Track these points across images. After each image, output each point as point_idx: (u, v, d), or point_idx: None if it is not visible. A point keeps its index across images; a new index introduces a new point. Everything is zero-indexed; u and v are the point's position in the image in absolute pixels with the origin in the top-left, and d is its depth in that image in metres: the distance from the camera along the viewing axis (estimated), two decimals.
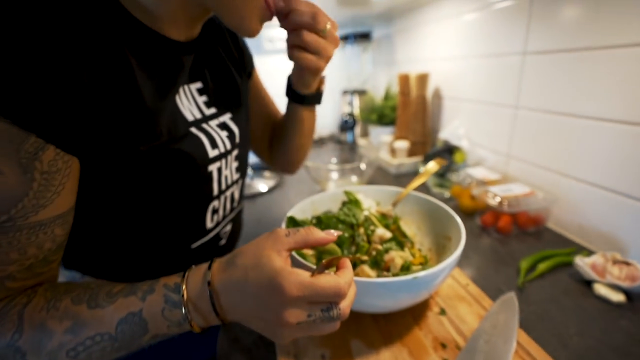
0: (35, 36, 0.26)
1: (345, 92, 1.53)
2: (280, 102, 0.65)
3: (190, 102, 0.43)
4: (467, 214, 0.79)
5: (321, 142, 1.60)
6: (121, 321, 0.29)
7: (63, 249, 0.33)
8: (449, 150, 0.95)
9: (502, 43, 0.80)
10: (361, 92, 1.50)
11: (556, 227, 0.71)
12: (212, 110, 0.47)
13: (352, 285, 0.30)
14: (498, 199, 0.68)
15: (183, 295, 0.29)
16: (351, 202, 0.54)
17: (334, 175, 1.00)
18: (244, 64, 0.56)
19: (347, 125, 1.47)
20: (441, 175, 0.94)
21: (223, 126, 0.47)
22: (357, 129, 1.48)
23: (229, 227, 0.54)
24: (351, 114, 1.48)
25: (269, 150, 0.69)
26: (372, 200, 0.58)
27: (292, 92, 0.54)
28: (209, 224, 0.47)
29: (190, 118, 0.42)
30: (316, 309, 0.28)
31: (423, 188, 0.95)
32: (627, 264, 0.49)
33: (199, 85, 0.45)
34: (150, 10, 0.35)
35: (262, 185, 1.05)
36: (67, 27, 0.28)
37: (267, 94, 0.67)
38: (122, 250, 0.41)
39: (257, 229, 0.79)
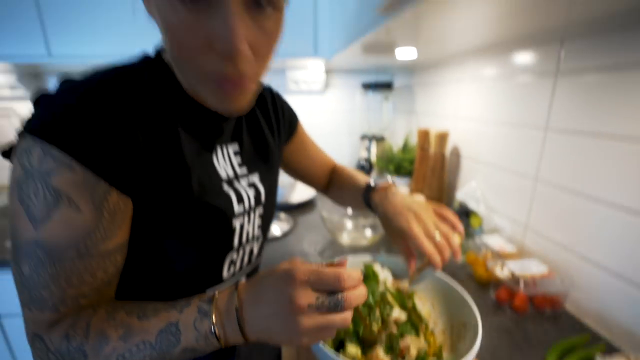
0: (110, 109, 0.34)
1: (364, 137, 1.57)
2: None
3: (225, 161, 0.48)
4: (482, 285, 0.78)
5: None
6: (161, 331, 0.33)
7: (120, 273, 0.40)
8: (465, 213, 0.95)
9: (524, 114, 0.82)
10: (379, 139, 1.53)
11: (575, 311, 0.68)
12: (244, 170, 0.51)
13: (360, 284, 0.34)
14: (514, 278, 0.67)
15: (212, 301, 0.34)
16: (368, 277, 0.54)
17: (349, 225, 1.01)
18: (279, 129, 0.61)
19: (363, 169, 1.49)
20: None
21: (251, 185, 0.52)
22: (373, 174, 1.50)
23: (243, 280, 0.56)
24: (368, 160, 1.51)
25: (324, 189, 0.79)
26: (387, 271, 0.58)
27: (368, 203, 0.61)
28: (225, 274, 0.50)
29: (223, 176, 0.47)
30: (323, 294, 0.32)
31: None
32: None
33: (235, 146, 0.51)
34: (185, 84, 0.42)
35: (275, 228, 1.06)
36: (132, 101, 0.36)
37: (313, 146, 0.74)
38: (144, 284, 0.45)
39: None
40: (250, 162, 0.53)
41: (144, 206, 0.38)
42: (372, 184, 0.61)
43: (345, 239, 0.95)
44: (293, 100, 1.61)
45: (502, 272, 0.70)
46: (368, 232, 0.97)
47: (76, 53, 1.13)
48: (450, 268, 0.85)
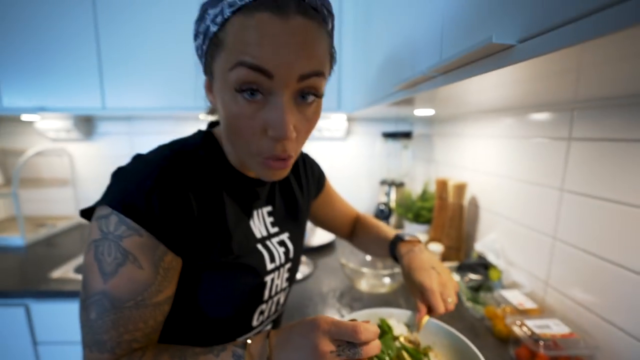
0: (173, 188, 0.42)
1: (383, 182, 1.62)
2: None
3: (260, 222, 0.55)
4: (501, 340, 0.78)
5: None
6: None
7: (164, 321, 0.45)
8: (484, 265, 0.96)
9: (540, 173, 0.85)
10: (399, 184, 1.58)
11: None
12: (276, 229, 0.58)
13: (376, 337, 0.37)
14: (534, 337, 0.67)
15: (245, 347, 0.38)
16: (384, 333, 0.57)
17: (367, 272, 1.03)
18: (309, 188, 0.69)
19: (382, 214, 1.53)
20: (475, 289, 0.94)
21: (282, 243, 0.58)
22: (392, 219, 1.53)
23: (269, 327, 0.61)
24: (387, 204, 1.55)
25: (348, 237, 0.85)
26: (403, 326, 0.60)
27: (394, 252, 0.67)
28: (255, 323, 0.55)
29: (258, 235, 0.53)
30: (343, 344, 0.36)
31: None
32: None
33: (269, 208, 0.57)
34: (235, 158, 0.50)
35: None
36: (190, 177, 0.44)
37: (339, 198, 0.81)
38: (182, 331, 0.50)
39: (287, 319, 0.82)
40: (281, 222, 0.59)
41: (191, 264, 0.45)
42: (403, 236, 0.67)
43: (363, 285, 0.98)
44: (316, 146, 1.73)
45: (521, 329, 0.70)
46: (386, 280, 1.00)
47: (125, 106, 1.29)
48: (468, 321, 0.85)
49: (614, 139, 0.65)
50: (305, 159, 0.70)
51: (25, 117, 1.51)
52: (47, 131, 1.62)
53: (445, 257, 1.15)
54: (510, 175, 0.97)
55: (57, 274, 1.14)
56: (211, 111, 0.57)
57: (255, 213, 0.54)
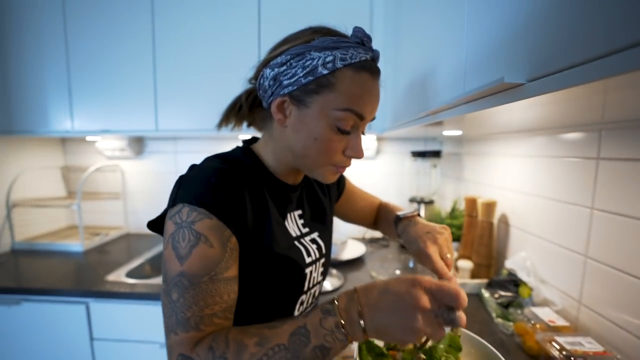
0: (232, 183, 0.49)
1: (412, 200, 1.66)
2: None
3: (293, 223, 0.63)
4: (532, 356, 0.78)
5: (387, 243, 1.69)
6: (292, 333, 0.41)
7: (236, 303, 0.49)
8: (515, 283, 0.97)
9: (570, 192, 0.86)
10: (428, 202, 1.61)
11: None
12: (307, 230, 0.66)
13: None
14: (566, 354, 0.68)
15: (333, 303, 0.41)
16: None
17: None
18: (330, 192, 0.77)
19: None
20: (505, 306, 0.95)
21: (313, 241, 0.66)
22: None
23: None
24: None
25: (372, 226, 0.89)
26: None
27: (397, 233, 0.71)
28: (296, 312, 0.62)
29: (294, 234, 0.61)
30: (443, 307, 0.37)
31: (486, 316, 0.96)
32: None
33: (299, 212, 0.66)
34: (273, 168, 0.60)
35: (327, 283, 1.15)
36: (243, 177, 0.52)
37: (360, 192, 0.88)
38: (236, 319, 0.55)
39: None
40: (310, 223, 0.67)
41: (245, 253, 0.51)
42: (400, 215, 0.70)
43: None
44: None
45: (552, 345, 0.71)
46: None
47: (174, 128, 1.45)
48: (498, 336, 0.86)
49: (637, 159, 0.67)
50: None
51: (89, 138, 1.72)
52: (104, 150, 1.81)
53: (474, 275, 1.16)
54: (540, 193, 0.99)
55: (111, 277, 1.28)
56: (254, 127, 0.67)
57: (288, 215, 0.62)
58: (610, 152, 0.74)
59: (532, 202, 1.02)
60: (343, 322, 0.39)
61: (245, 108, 0.62)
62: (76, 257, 1.50)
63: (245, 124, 0.66)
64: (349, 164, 0.56)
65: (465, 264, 1.16)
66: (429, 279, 0.39)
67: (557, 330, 0.78)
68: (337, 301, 0.41)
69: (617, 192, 0.72)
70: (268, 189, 0.58)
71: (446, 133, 1.14)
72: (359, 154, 0.54)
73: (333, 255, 1.37)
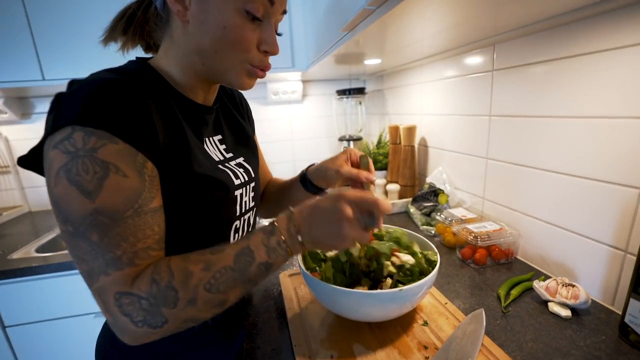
0: (133, 96, 0.41)
1: (342, 139, 1.71)
2: (281, 144, 0.78)
3: (214, 148, 0.57)
4: (450, 248, 0.92)
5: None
6: (237, 254, 0.41)
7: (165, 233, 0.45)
8: (435, 193, 1.10)
9: (473, 105, 0.98)
10: (357, 139, 1.68)
11: (523, 259, 0.83)
12: (230, 155, 0.61)
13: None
14: (474, 235, 0.81)
15: (275, 224, 0.43)
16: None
17: None
18: (249, 122, 0.74)
19: None
20: (428, 214, 1.08)
21: (239, 165, 0.61)
22: None
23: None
24: None
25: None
26: None
27: (313, 187, 0.71)
28: (232, 240, 0.58)
29: (216, 159, 0.56)
30: (365, 213, 0.43)
31: (413, 227, 1.09)
32: (572, 285, 0.62)
33: (219, 137, 0.60)
34: (179, 82, 0.51)
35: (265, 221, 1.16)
36: (145, 91, 0.43)
37: (261, 157, 0.82)
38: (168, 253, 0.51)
39: None
40: (233, 148, 0.62)
41: (165, 177, 0.45)
42: (307, 167, 0.73)
43: None
44: (274, 110, 1.77)
45: (464, 232, 0.84)
46: None
47: (66, 77, 1.22)
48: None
49: (527, 63, 0.77)
50: (243, 99, 0.75)
51: None
52: None
53: (402, 195, 1.28)
54: (450, 112, 1.10)
55: (17, 255, 1.11)
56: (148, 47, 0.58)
57: (207, 140, 0.56)
58: (502, 63, 0.85)
59: (445, 121, 1.14)
60: (284, 238, 0.42)
61: (140, 15, 0.52)
62: None
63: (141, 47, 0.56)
64: (266, 64, 0.52)
65: (393, 187, 1.26)
66: (351, 192, 0.43)
67: (468, 222, 0.92)
68: (276, 222, 0.43)
69: (508, 97, 0.84)
70: (178, 107, 0.50)
71: (368, 62, 1.17)
72: (274, 48, 0.50)
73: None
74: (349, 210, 0.41)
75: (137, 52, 0.54)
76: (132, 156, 0.39)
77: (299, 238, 0.43)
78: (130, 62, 0.51)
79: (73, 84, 0.42)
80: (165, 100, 0.47)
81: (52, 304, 1.09)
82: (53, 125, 0.37)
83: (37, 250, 1.16)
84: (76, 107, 0.38)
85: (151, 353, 0.55)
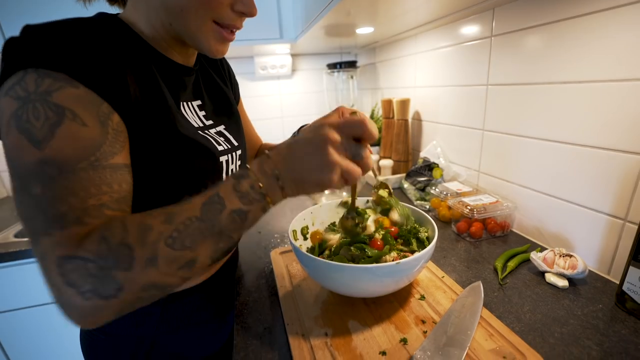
0: (98, 38, 0.38)
1: None
2: (270, 121, 0.73)
3: (193, 114, 0.53)
4: (445, 222, 0.90)
5: None
6: (205, 203, 0.34)
7: (131, 197, 0.39)
8: (429, 167, 1.07)
9: (469, 75, 0.94)
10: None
11: (519, 231, 0.82)
12: (210, 122, 0.56)
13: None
14: (469, 208, 0.79)
15: (248, 168, 0.36)
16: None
17: (326, 190, 1.10)
18: (233, 89, 0.68)
19: None
20: (422, 189, 1.06)
21: (220, 134, 0.56)
22: None
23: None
24: None
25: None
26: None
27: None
28: None
29: (195, 125, 0.51)
30: (351, 141, 0.35)
31: (406, 202, 1.07)
32: (570, 256, 0.60)
33: (198, 102, 0.55)
34: (152, 39, 0.46)
35: None
36: (112, 39, 0.40)
37: (249, 122, 0.78)
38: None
39: (258, 238, 0.87)
40: (214, 116, 0.57)
41: (140, 139, 0.40)
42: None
43: (324, 201, 1.04)
44: (264, 85, 1.69)
45: (460, 207, 0.82)
46: (345, 194, 1.07)
47: None
48: None
49: (527, 27, 0.73)
50: (227, 65, 0.70)
51: None
52: None
53: (395, 171, 1.26)
54: (445, 83, 1.06)
55: None
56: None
57: (185, 105, 0.51)
58: (501, 28, 0.80)
59: (440, 93, 1.10)
60: (259, 182, 0.35)
61: None
62: None
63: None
64: (239, 26, 0.46)
65: (387, 162, 1.24)
66: (334, 116, 0.36)
67: (464, 195, 0.90)
68: (249, 165, 0.37)
69: (507, 64, 0.80)
70: (154, 64, 0.45)
71: (360, 31, 1.10)
72: (252, 8, 0.44)
73: None
74: (334, 133, 0.34)
75: (101, 6, 0.48)
76: (95, 104, 0.35)
77: (278, 181, 0.35)
78: (99, 14, 0.45)
79: (30, 26, 0.36)
80: (138, 54, 0.42)
81: (33, 290, 1.05)
82: (4, 72, 0.33)
83: (16, 235, 1.11)
84: (30, 48, 0.34)
85: (138, 336, 0.52)
